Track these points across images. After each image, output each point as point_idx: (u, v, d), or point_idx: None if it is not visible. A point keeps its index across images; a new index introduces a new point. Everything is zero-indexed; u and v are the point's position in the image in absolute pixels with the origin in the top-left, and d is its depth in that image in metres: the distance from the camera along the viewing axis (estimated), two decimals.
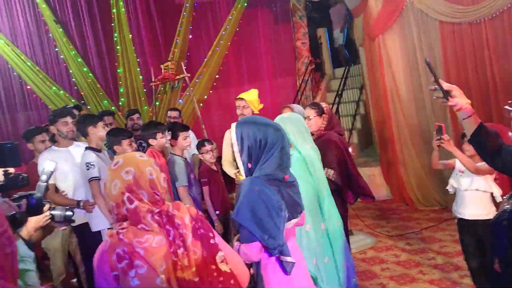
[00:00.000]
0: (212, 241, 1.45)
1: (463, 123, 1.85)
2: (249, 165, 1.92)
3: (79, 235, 3.55)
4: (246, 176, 1.94)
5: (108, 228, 3.29)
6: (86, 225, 3.38)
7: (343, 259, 2.68)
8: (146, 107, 8.09)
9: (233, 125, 1.97)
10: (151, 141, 3.55)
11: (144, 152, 3.32)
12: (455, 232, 3.40)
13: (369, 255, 4.40)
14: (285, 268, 1.88)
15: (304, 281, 2.02)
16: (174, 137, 3.67)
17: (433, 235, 4.69)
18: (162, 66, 6.69)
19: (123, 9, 8.03)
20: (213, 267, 1.41)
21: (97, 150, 3.45)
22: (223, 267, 1.44)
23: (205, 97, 8.39)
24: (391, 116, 5.94)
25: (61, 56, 7.86)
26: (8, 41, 7.64)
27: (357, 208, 5.55)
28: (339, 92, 7.23)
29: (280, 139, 1.91)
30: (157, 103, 7.81)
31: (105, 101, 7.95)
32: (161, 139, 3.54)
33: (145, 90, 8.20)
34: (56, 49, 7.86)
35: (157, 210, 1.40)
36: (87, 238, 3.38)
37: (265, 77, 8.36)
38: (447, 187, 3.26)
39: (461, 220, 3.12)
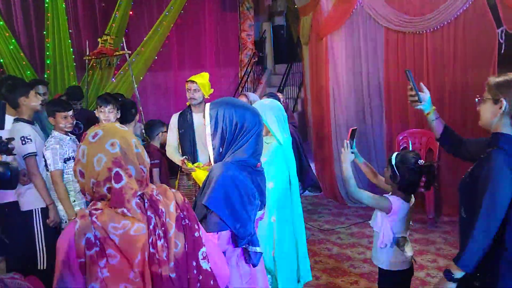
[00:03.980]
0: (196, 234, 1.29)
1: (432, 123, 2.18)
2: (221, 149, 1.78)
3: (5, 215, 3.16)
4: (216, 162, 1.80)
5: (42, 208, 3.05)
6: (14, 204, 3.05)
7: (305, 249, 2.70)
8: (74, 83, 7.46)
9: (208, 105, 1.81)
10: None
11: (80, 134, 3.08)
12: None
13: None
14: (253, 260, 1.77)
15: (262, 275, 1.96)
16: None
17: (362, 231, 4.87)
18: (99, 39, 6.16)
19: None
20: (194, 263, 1.26)
21: (29, 122, 3.09)
22: (204, 264, 1.29)
23: (141, 78, 7.96)
24: (330, 114, 6.08)
25: None
26: None
27: None
28: (281, 88, 7.29)
29: (258, 124, 1.79)
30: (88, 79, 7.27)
31: (28, 72, 7.19)
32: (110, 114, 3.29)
33: (74, 64, 7.60)
34: None
35: (140, 193, 1.22)
36: (16, 218, 3.07)
37: (207, 64, 8.12)
38: None
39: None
